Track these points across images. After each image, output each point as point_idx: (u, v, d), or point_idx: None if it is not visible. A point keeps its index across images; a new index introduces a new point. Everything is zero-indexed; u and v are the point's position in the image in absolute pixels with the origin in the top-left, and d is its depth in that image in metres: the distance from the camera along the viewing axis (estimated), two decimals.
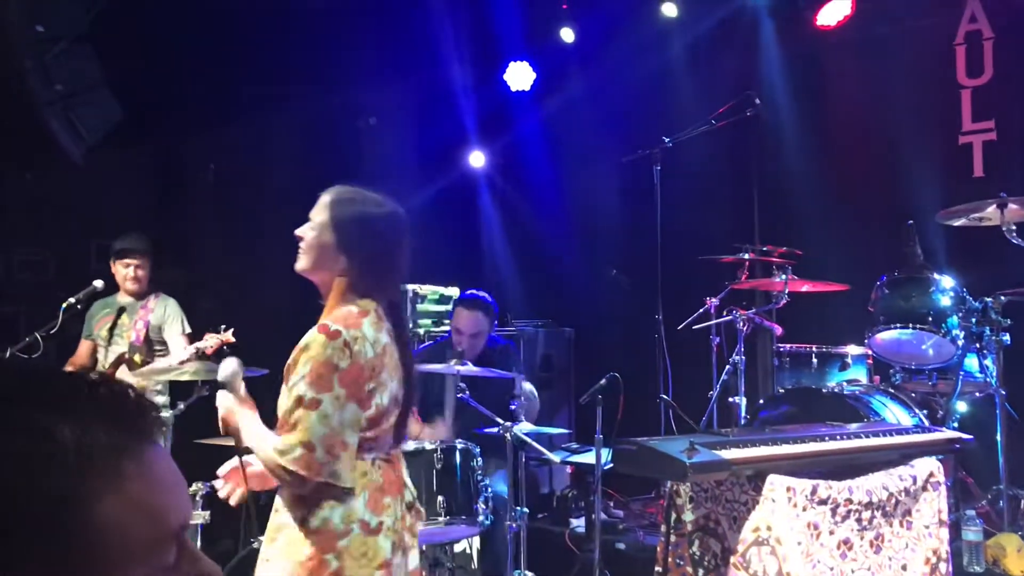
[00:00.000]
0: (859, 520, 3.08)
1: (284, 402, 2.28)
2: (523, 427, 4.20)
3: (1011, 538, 3.96)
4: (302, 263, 2.46)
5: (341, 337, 2.26)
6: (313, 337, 2.29)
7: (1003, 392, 4.51)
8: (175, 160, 7.00)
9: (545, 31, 7.36)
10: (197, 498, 3.78)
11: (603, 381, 3.97)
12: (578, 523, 5.36)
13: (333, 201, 2.46)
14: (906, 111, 6.07)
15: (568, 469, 5.81)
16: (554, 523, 5.52)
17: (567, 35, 7.29)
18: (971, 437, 3.61)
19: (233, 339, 4.33)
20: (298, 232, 2.46)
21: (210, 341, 4.36)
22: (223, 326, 4.40)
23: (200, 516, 3.83)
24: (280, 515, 2.35)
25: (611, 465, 3.37)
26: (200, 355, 4.34)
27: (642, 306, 5.84)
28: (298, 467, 2.20)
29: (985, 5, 6.09)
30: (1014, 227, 4.47)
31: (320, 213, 2.46)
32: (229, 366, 2.45)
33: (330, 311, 2.41)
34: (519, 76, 7.51)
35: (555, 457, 4.68)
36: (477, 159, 7.95)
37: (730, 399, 5.16)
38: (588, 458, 4.75)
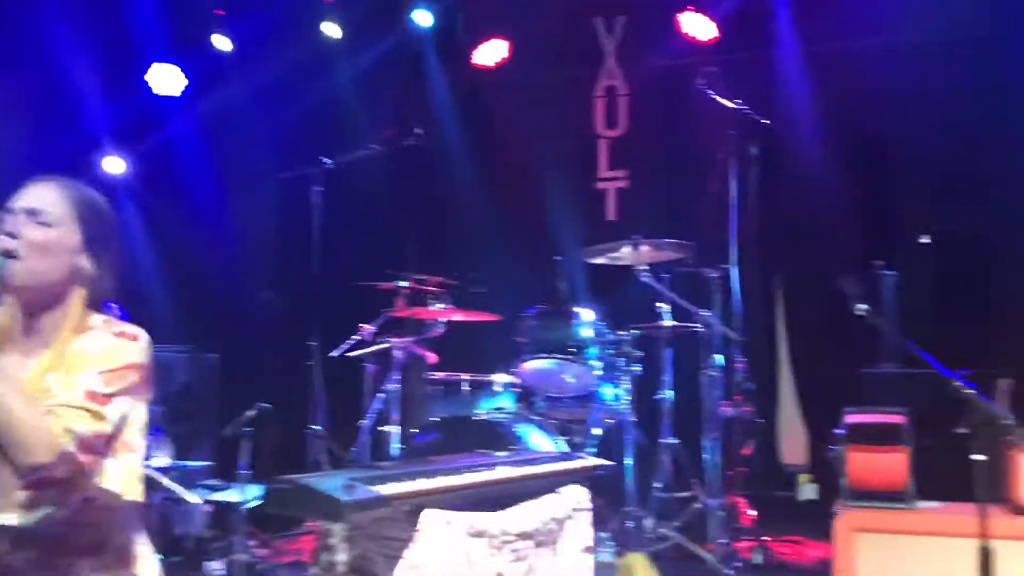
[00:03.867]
0: (514, 551, 3.09)
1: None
2: (155, 462, 3.78)
3: (639, 557, 4.24)
4: (28, 271, 1.91)
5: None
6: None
7: (633, 419, 4.89)
8: None
9: (197, 36, 6.88)
10: None
11: (250, 412, 3.68)
12: (218, 567, 4.94)
13: (68, 188, 1.98)
14: (554, 154, 6.48)
15: (206, 507, 5.36)
16: (189, 568, 5.04)
17: (223, 43, 6.87)
18: (613, 463, 3.81)
19: None
20: (11, 228, 1.90)
21: None
22: None
23: None
24: None
25: (258, 503, 3.11)
26: None
27: (296, 332, 5.59)
28: None
29: (620, 63, 6.68)
30: (645, 267, 4.89)
31: (54, 204, 1.97)
32: None
33: (82, 328, 1.95)
34: (165, 80, 6.91)
35: (193, 497, 4.27)
36: (114, 165, 7.18)
37: (382, 428, 5.07)
38: (233, 495, 4.39)
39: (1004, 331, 5.40)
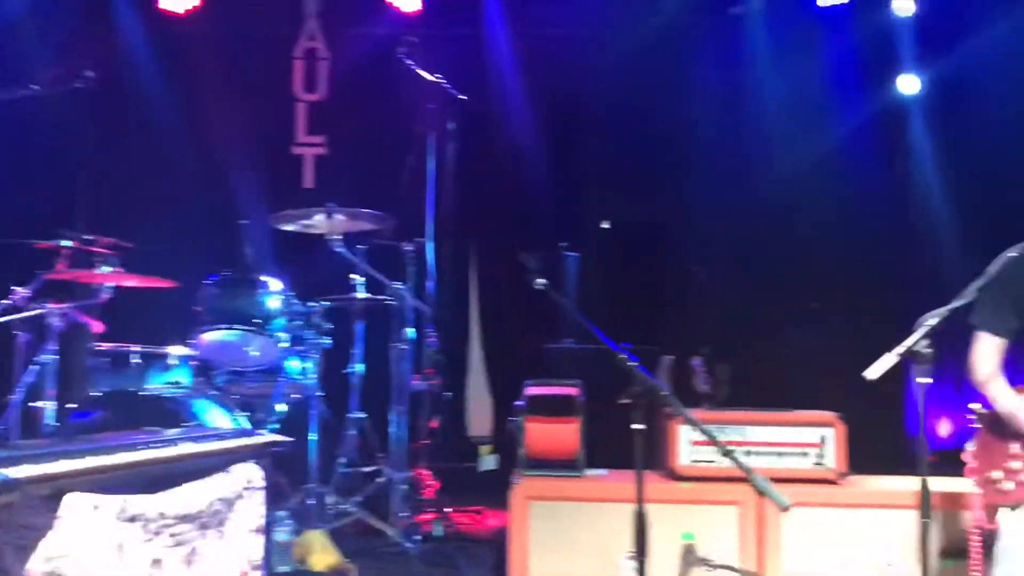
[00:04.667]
0: (173, 535, 2.85)
1: None
2: None
3: (317, 535, 4.12)
4: None
5: None
6: None
7: (320, 393, 4.73)
8: None
9: None
10: None
11: None
12: None
13: None
14: (247, 114, 6.12)
15: None
16: None
17: None
18: (290, 439, 3.64)
19: None
20: None
21: None
22: None
23: None
24: None
25: None
26: None
27: None
28: None
29: (323, 26, 6.44)
30: (339, 237, 4.74)
31: None
32: None
33: None
34: None
35: None
36: None
37: (35, 404, 4.51)
38: None
39: (670, 313, 5.88)
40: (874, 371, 2.46)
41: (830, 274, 5.86)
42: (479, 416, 6.32)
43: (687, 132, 6.13)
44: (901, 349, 2.48)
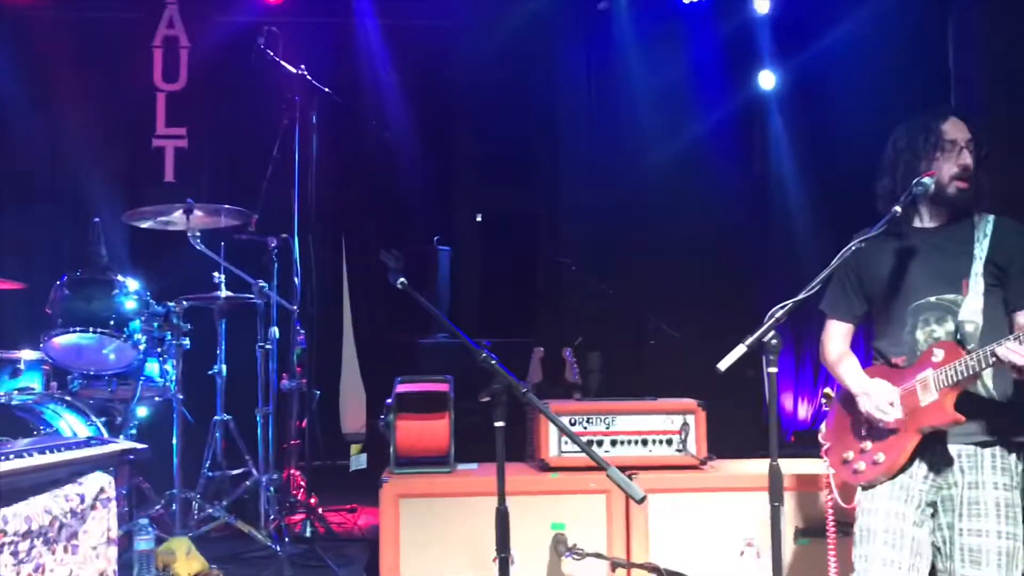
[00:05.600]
0: (15, 553, 2.70)
1: None
2: None
3: (181, 542, 3.98)
4: None
5: None
6: None
7: (181, 396, 4.57)
8: None
9: None
10: None
11: None
12: None
13: None
14: (103, 105, 5.83)
15: None
16: None
17: None
18: (145, 446, 3.49)
19: None
20: None
21: None
22: None
23: None
24: None
25: None
26: None
27: None
28: None
29: (183, 14, 6.20)
30: (199, 233, 4.57)
31: None
32: None
33: None
34: None
35: None
36: None
37: None
38: None
39: (542, 304, 5.94)
40: (725, 363, 2.53)
41: (693, 264, 6.04)
42: (353, 413, 6.24)
43: (558, 126, 6.20)
44: (750, 340, 2.56)
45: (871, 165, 2.93)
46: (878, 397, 2.70)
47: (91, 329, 4.31)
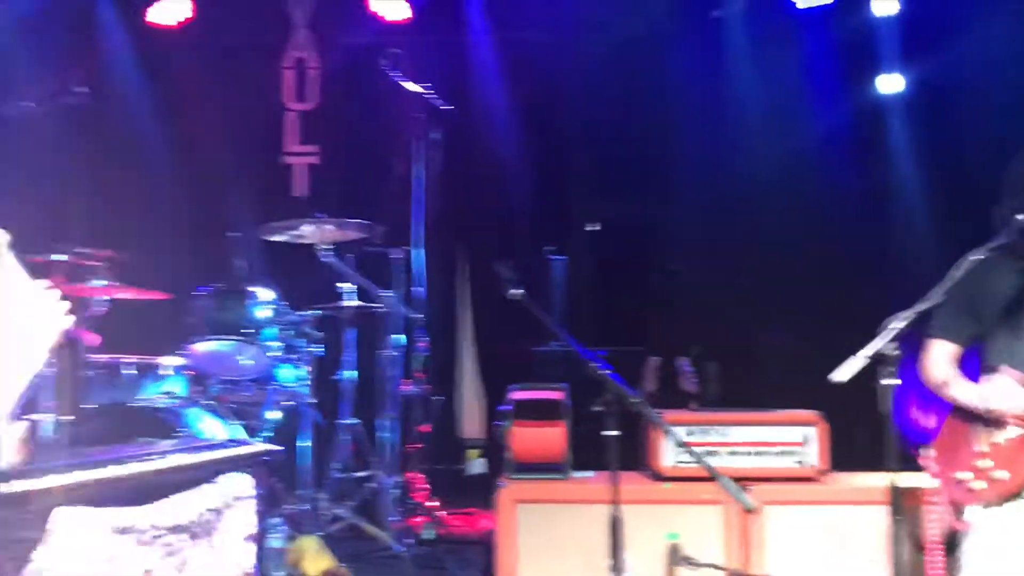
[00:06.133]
0: (165, 546, 2.92)
1: None
2: None
3: (311, 540, 4.19)
4: None
5: None
6: None
7: (312, 401, 4.81)
8: None
9: None
10: None
11: None
12: None
13: None
14: (237, 124, 6.17)
15: None
16: None
17: None
18: (281, 448, 3.71)
19: None
20: None
21: None
22: None
23: None
24: None
25: None
26: None
27: None
28: None
29: (312, 36, 6.51)
30: (327, 246, 4.81)
31: None
32: None
33: None
34: None
35: None
36: None
37: (31, 417, 4.57)
38: None
39: (657, 313, 5.94)
40: (841, 374, 2.52)
41: (811, 273, 5.91)
42: (472, 419, 6.39)
43: (670, 134, 6.20)
44: (868, 351, 2.54)
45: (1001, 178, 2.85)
46: (1006, 390, 2.63)
47: (229, 337, 4.59)
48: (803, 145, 6.05)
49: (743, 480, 3.81)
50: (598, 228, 6.21)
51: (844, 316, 5.39)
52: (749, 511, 2.44)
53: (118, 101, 6.13)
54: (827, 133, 6.06)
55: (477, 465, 5.22)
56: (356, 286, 4.91)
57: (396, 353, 5.02)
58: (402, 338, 5.06)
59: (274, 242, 5.03)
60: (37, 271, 4.87)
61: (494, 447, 4.82)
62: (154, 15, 6.15)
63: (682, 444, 2.66)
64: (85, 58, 6.08)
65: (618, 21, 6.14)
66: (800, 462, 3.91)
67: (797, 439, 3.93)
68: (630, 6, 6.20)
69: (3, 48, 6.07)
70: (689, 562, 3.68)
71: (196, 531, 3.07)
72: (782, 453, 3.95)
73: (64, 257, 4.70)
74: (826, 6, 6.10)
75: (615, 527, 2.66)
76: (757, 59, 6.14)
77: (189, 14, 6.28)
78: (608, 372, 2.67)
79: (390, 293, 4.94)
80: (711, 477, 2.52)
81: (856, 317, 5.30)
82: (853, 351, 2.59)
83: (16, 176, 5.81)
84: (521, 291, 2.84)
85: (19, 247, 5.02)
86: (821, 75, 6.11)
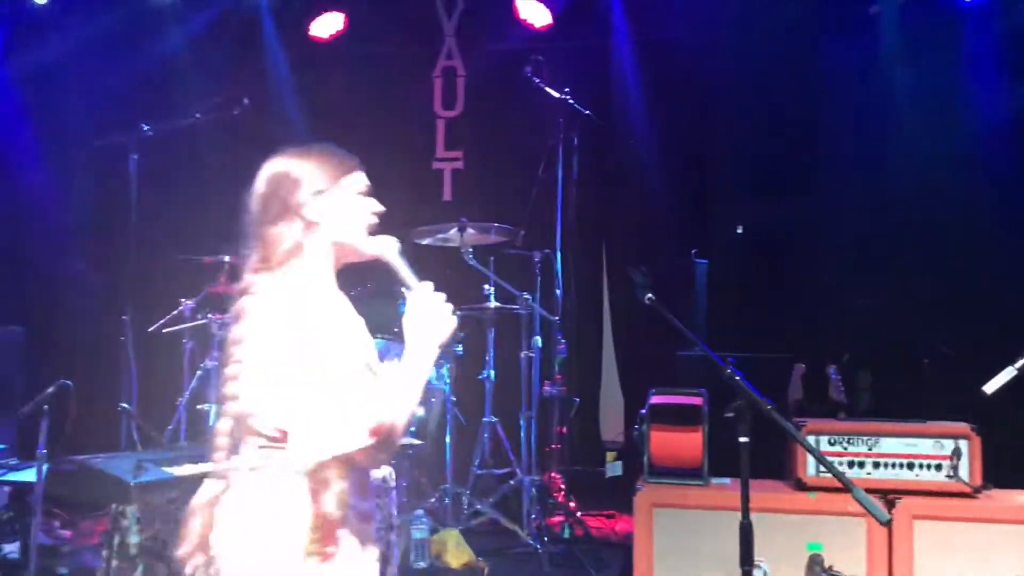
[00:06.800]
0: None
1: None
2: None
3: (452, 533, 4.33)
4: None
5: None
6: None
7: (454, 398, 4.96)
8: None
9: None
10: None
11: (50, 389, 3.51)
12: (11, 548, 4.70)
13: None
14: (387, 131, 6.42)
15: (6, 488, 5.08)
16: None
17: None
18: (423, 442, 3.86)
19: None
20: None
21: None
22: None
23: None
24: None
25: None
26: None
27: (108, 305, 5.35)
28: None
29: (460, 45, 6.70)
30: (471, 249, 4.96)
31: None
32: None
33: None
34: None
35: None
36: None
37: (199, 406, 4.95)
38: (29, 476, 4.18)
39: (803, 319, 5.77)
40: (991, 386, 2.42)
41: (971, 279, 5.60)
42: (611, 421, 6.41)
43: (820, 135, 6.01)
44: (1020, 363, 2.43)
45: None
46: None
47: (378, 335, 4.80)
48: (963, 144, 5.74)
49: (891, 493, 3.71)
50: (743, 230, 6.10)
51: (1008, 325, 5.10)
52: (884, 524, 2.37)
53: (278, 112, 6.49)
54: (990, 132, 5.72)
55: (615, 467, 5.24)
56: (497, 288, 5.04)
57: (534, 354, 5.12)
58: (540, 340, 5.14)
59: (422, 245, 5.21)
60: (210, 271, 5.26)
61: (631, 450, 4.83)
62: (316, 29, 6.50)
63: (813, 452, 2.61)
64: (247, 73, 6.47)
65: (765, 17, 6.00)
66: (951, 476, 3.75)
67: (947, 452, 3.77)
68: (778, 3, 6.06)
69: (175, 64, 6.56)
70: (829, 573, 3.59)
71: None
72: (931, 466, 3.79)
73: (229, 258, 5.05)
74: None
75: (745, 534, 2.64)
76: (914, 55, 5.87)
77: (340, 27, 6.59)
78: (740, 377, 2.64)
79: (528, 296, 5.05)
80: (873, 487, 2.47)
81: (1019, 324, 5.03)
82: (1008, 363, 2.48)
83: (187, 184, 6.27)
84: (651, 295, 2.85)
85: (191, 249, 5.42)
86: (983, 71, 5.78)
